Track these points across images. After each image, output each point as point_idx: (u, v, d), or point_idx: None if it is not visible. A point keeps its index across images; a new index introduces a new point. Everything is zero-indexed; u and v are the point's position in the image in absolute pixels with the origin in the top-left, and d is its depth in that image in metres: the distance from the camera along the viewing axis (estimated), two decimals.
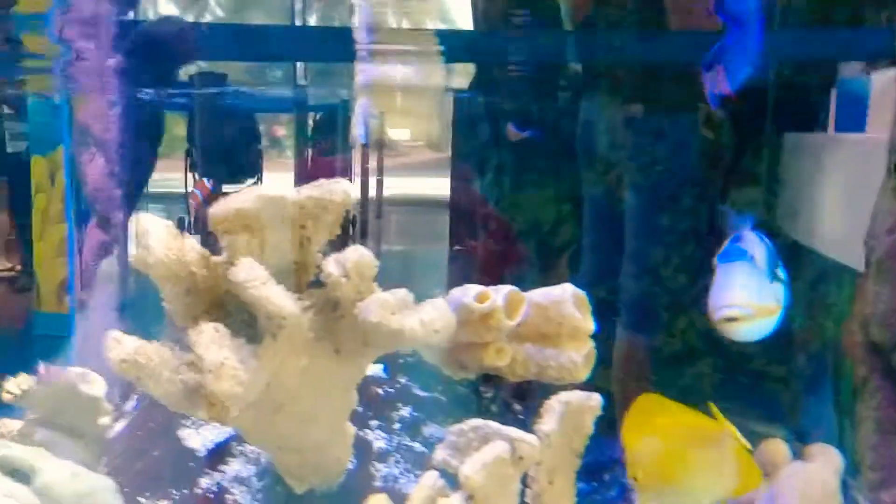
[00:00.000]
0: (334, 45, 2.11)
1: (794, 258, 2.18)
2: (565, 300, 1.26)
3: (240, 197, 1.01)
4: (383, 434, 1.30)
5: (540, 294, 1.29)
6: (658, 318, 2.28)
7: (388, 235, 6.87)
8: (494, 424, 1.14)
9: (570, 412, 1.18)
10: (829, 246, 2.01)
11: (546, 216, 2.70)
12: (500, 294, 1.25)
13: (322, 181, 1.05)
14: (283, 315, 0.94)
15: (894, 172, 1.72)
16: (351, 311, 0.99)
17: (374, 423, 1.31)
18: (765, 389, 2.12)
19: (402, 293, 1.01)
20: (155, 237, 0.97)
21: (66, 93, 2.78)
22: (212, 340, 0.93)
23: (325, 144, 6.30)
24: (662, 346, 2.23)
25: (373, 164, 6.76)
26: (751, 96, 2.27)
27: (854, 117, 2.05)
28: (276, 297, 0.94)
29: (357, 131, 2.08)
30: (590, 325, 1.26)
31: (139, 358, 0.93)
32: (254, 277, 0.94)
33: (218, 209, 1.00)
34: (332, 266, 0.98)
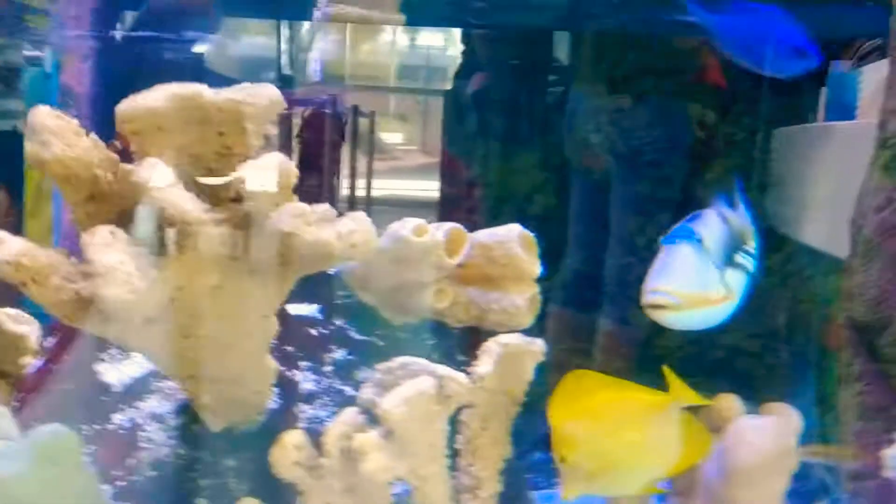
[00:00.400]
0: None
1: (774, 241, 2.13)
2: (511, 240, 1.19)
3: (150, 94, 0.93)
4: (313, 376, 1.23)
5: (485, 234, 1.22)
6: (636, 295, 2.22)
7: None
8: (423, 361, 1.07)
9: (509, 355, 1.11)
10: (816, 236, 1.95)
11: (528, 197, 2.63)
12: (440, 230, 1.18)
13: (244, 84, 0.97)
14: (187, 220, 0.86)
15: (883, 149, 1.67)
16: (266, 224, 0.92)
17: (304, 364, 1.24)
18: (738, 365, 2.05)
19: (324, 207, 0.94)
20: (52, 131, 0.89)
21: (55, 62, 2.72)
22: (105, 243, 0.85)
23: (314, 141, 6.25)
24: (636, 321, 2.17)
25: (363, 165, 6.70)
26: (746, 86, 2.22)
27: (844, 110, 2.00)
28: (181, 201, 0.87)
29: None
30: (536, 267, 1.19)
31: (24, 259, 0.85)
32: (157, 178, 0.87)
33: (125, 107, 0.93)
34: (245, 173, 0.91)
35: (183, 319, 0.94)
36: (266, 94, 0.95)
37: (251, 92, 0.96)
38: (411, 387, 0.97)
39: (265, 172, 0.91)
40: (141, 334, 0.93)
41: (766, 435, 1.02)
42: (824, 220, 1.86)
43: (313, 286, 1.27)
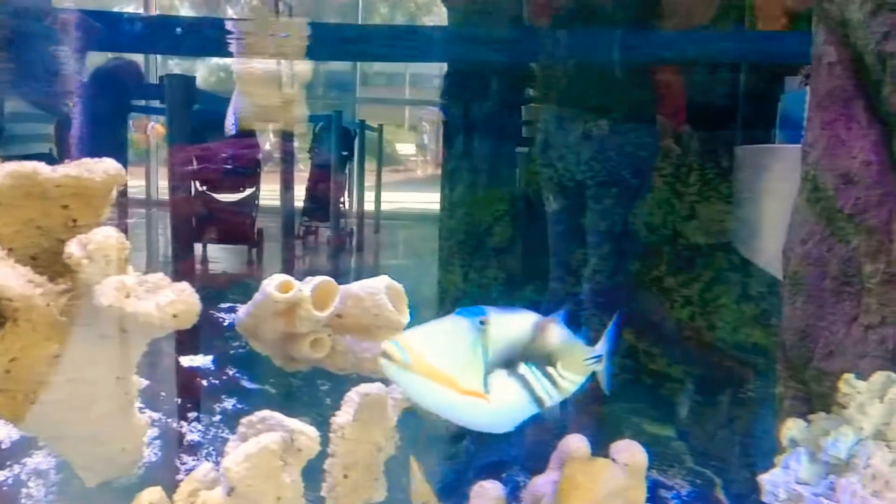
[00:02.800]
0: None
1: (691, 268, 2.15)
2: (379, 292, 1.22)
3: None
4: (199, 426, 1.26)
5: (358, 286, 1.26)
6: (577, 318, 2.25)
7: (385, 248, 6.86)
8: (279, 416, 1.10)
9: (369, 404, 1.14)
10: (761, 257, 1.95)
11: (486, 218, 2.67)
12: (308, 284, 1.21)
13: (84, 160, 1.01)
14: (7, 297, 0.91)
15: (808, 182, 1.66)
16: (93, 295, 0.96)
17: (191, 415, 1.28)
18: (663, 391, 2.06)
19: (157, 277, 0.98)
20: None
21: None
22: None
23: (323, 156, 6.32)
24: None
25: (373, 177, 6.72)
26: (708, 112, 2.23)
27: (795, 129, 2.01)
28: (5, 279, 0.91)
29: (229, 121, 2.07)
30: (403, 317, 1.22)
31: None
32: None
33: None
34: (73, 247, 0.95)
35: (26, 386, 0.98)
36: (100, 169, 0.99)
37: (89, 167, 1.00)
38: (253, 444, 1.01)
39: (96, 245, 0.95)
40: None
41: (595, 477, 1.03)
42: (773, 242, 1.86)
43: (209, 337, 1.31)
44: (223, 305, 1.42)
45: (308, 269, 5.85)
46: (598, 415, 1.96)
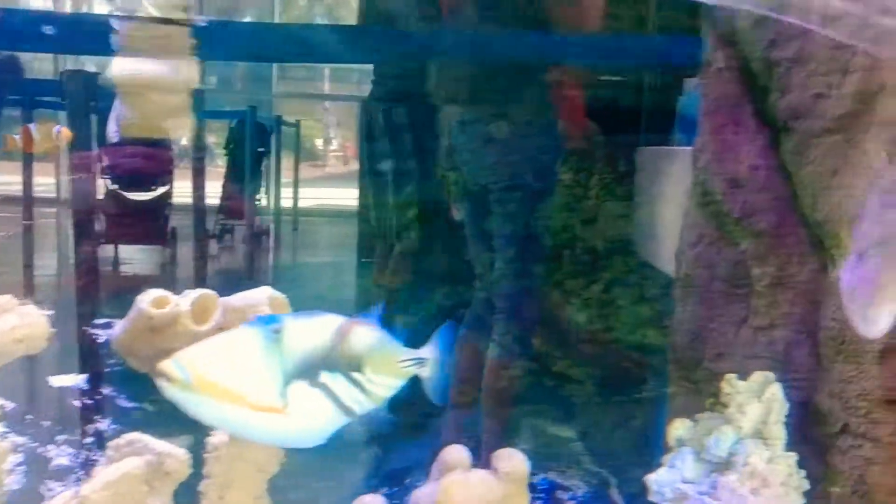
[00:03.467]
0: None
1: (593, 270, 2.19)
2: (262, 304, 1.19)
3: None
4: (70, 449, 1.21)
5: (240, 298, 1.23)
6: (485, 322, 2.26)
7: (303, 247, 6.79)
8: (147, 438, 1.06)
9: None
10: (659, 259, 1.98)
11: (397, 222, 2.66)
12: (186, 298, 1.17)
13: None
14: None
15: (698, 186, 1.69)
16: None
17: (60, 437, 1.23)
18: (565, 392, 2.10)
19: (4, 299, 0.93)
20: None
21: None
22: None
23: (239, 152, 6.20)
24: (484, 350, 2.20)
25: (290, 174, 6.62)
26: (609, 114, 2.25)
27: (692, 131, 2.04)
28: None
29: (111, 128, 2.01)
30: None
31: None
32: None
33: None
34: None
35: None
36: None
37: None
38: (114, 469, 0.97)
39: None
40: None
41: (472, 490, 1.03)
42: (670, 244, 1.89)
43: (83, 355, 1.26)
44: (99, 321, 1.36)
45: (224, 268, 5.74)
46: (501, 417, 1.97)
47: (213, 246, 5.89)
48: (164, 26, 1.53)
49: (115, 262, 5.30)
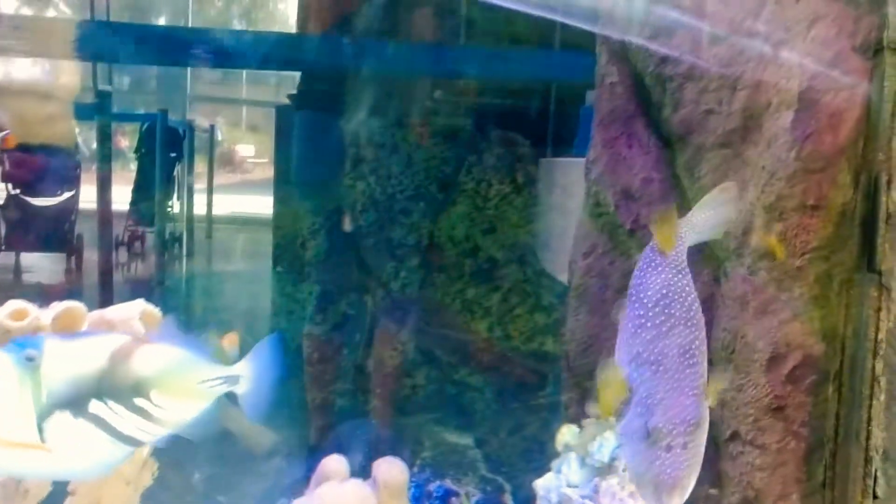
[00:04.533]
0: None
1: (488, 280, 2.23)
2: (133, 317, 1.16)
3: None
4: None
5: (112, 310, 1.19)
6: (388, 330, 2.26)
7: (217, 255, 6.66)
8: None
9: None
10: (556, 268, 2.00)
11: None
12: (50, 311, 1.13)
13: None
14: None
15: (590, 197, 1.72)
16: None
17: None
18: (464, 400, 2.12)
19: None
20: None
21: None
22: None
23: (149, 157, 6.05)
24: (386, 357, 2.20)
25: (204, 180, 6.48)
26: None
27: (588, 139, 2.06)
28: None
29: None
30: None
31: None
32: None
33: None
34: None
35: None
36: None
37: None
38: None
39: None
40: None
41: (345, 499, 1.02)
42: (566, 253, 1.91)
43: None
44: None
45: (132, 276, 5.59)
46: (400, 426, 1.97)
47: (123, 253, 5.73)
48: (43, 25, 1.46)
49: (17, 269, 5.10)
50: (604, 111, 1.68)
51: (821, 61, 1.28)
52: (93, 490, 1.06)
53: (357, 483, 1.06)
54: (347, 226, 2.22)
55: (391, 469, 1.10)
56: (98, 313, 1.15)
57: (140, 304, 1.16)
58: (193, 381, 0.96)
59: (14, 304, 1.08)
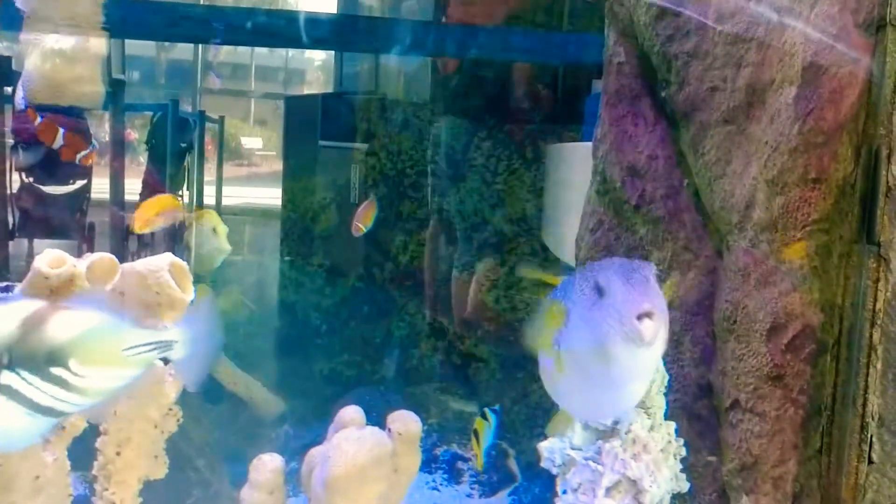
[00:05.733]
0: None
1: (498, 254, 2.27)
2: (162, 269, 1.20)
3: None
4: None
5: (142, 263, 1.24)
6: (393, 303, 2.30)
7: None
8: None
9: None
10: (559, 248, 2.04)
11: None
12: (84, 261, 1.18)
13: None
14: None
15: (597, 175, 1.76)
16: None
17: None
18: (470, 370, 2.16)
19: None
20: None
21: None
22: None
23: (160, 147, 6.09)
24: (394, 329, 2.25)
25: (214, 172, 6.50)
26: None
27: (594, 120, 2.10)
28: None
29: (18, 94, 1.97)
30: (187, 295, 1.21)
31: None
32: None
33: None
34: None
35: None
36: None
37: None
38: None
39: None
40: None
41: (363, 445, 1.06)
42: (570, 235, 1.95)
43: None
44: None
45: None
46: (407, 395, 2.02)
47: (134, 242, 5.76)
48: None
49: (29, 256, 5.15)
50: (611, 90, 1.72)
51: (824, 37, 1.32)
52: (122, 430, 1.11)
53: (374, 430, 1.10)
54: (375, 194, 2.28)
55: (406, 420, 1.14)
56: (131, 264, 1.20)
57: (168, 257, 1.21)
58: (117, 348, 0.91)
59: (52, 253, 1.13)
